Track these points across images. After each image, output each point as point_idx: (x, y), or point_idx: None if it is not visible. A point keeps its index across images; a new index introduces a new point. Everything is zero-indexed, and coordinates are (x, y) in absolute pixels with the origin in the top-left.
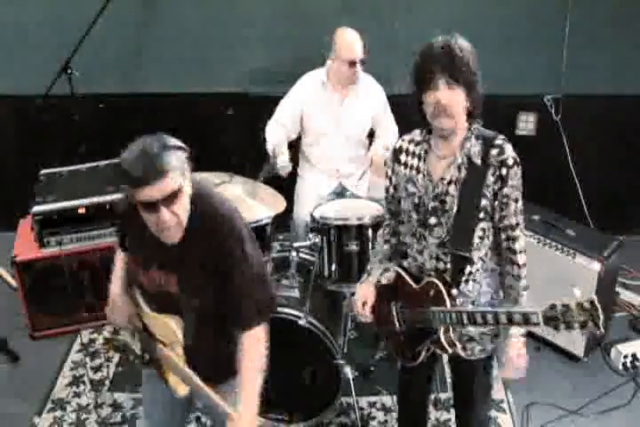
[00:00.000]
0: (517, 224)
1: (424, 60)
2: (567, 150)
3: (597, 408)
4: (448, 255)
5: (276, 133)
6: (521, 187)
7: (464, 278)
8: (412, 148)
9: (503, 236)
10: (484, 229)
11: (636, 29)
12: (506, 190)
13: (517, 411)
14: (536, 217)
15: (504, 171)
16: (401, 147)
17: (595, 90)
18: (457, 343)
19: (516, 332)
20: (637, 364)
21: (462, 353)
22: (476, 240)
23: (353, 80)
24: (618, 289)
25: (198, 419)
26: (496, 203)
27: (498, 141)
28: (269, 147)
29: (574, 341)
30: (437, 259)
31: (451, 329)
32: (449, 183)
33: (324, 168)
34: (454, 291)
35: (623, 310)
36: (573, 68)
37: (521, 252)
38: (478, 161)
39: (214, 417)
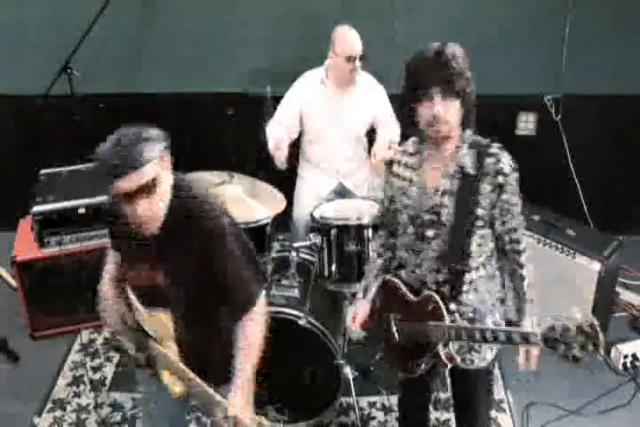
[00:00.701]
0: (519, 226)
1: (417, 71)
2: (567, 150)
3: (597, 408)
4: (446, 268)
5: (277, 131)
6: (518, 190)
7: (465, 289)
8: (405, 159)
9: (507, 238)
10: (482, 236)
11: (635, 29)
12: (504, 197)
13: (517, 411)
14: (536, 217)
15: (501, 179)
16: (393, 158)
17: (595, 90)
18: (456, 357)
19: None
20: (637, 364)
21: (461, 364)
22: (475, 248)
23: (352, 77)
24: (618, 289)
25: (199, 419)
26: (496, 210)
27: (493, 150)
28: (271, 143)
29: None
30: (437, 271)
31: (450, 344)
32: (442, 194)
33: (323, 167)
34: (452, 306)
35: (623, 310)
36: (573, 68)
37: (524, 251)
38: (472, 171)
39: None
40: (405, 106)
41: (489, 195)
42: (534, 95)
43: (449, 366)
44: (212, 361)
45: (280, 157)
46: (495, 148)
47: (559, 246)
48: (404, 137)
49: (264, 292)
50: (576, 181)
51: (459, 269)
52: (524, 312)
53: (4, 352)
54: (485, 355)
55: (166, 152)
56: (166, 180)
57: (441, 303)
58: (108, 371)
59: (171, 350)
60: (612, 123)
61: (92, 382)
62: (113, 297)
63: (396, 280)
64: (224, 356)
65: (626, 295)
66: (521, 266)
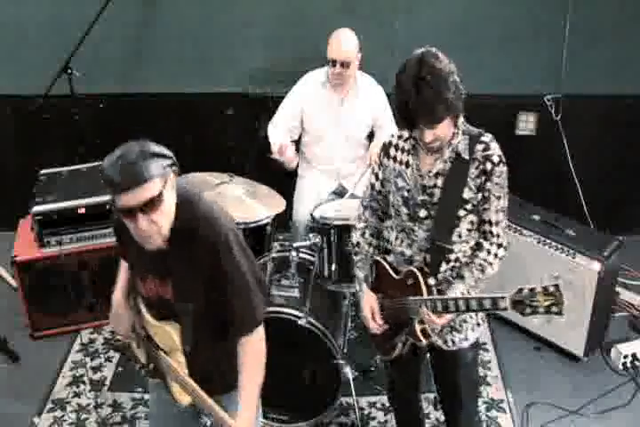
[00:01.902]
0: (498, 222)
1: (400, 103)
2: (567, 150)
3: (597, 408)
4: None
5: (278, 134)
6: (506, 186)
7: (445, 268)
8: (401, 143)
9: (481, 229)
10: (472, 222)
11: (635, 29)
12: (488, 185)
13: (517, 411)
14: (536, 217)
15: (488, 166)
16: (391, 142)
17: (595, 90)
18: (431, 334)
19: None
20: (637, 364)
21: (443, 345)
22: (464, 232)
23: (339, 82)
24: (618, 289)
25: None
26: (479, 195)
27: (484, 138)
28: (274, 146)
29: (574, 341)
30: (426, 251)
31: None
32: (436, 176)
33: (323, 168)
34: (431, 280)
35: (623, 310)
36: (573, 68)
37: (498, 246)
38: (466, 156)
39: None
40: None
41: (475, 179)
42: (534, 95)
43: (424, 342)
44: (215, 373)
45: (290, 159)
46: (487, 137)
47: (559, 246)
48: None
49: (261, 321)
50: (576, 181)
51: (443, 246)
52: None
53: (3, 352)
54: (467, 334)
55: (171, 170)
56: (170, 197)
57: (420, 277)
58: (108, 371)
59: (178, 362)
60: (612, 123)
61: (92, 382)
62: (124, 305)
63: (382, 261)
64: (227, 367)
65: (626, 295)
66: (487, 260)
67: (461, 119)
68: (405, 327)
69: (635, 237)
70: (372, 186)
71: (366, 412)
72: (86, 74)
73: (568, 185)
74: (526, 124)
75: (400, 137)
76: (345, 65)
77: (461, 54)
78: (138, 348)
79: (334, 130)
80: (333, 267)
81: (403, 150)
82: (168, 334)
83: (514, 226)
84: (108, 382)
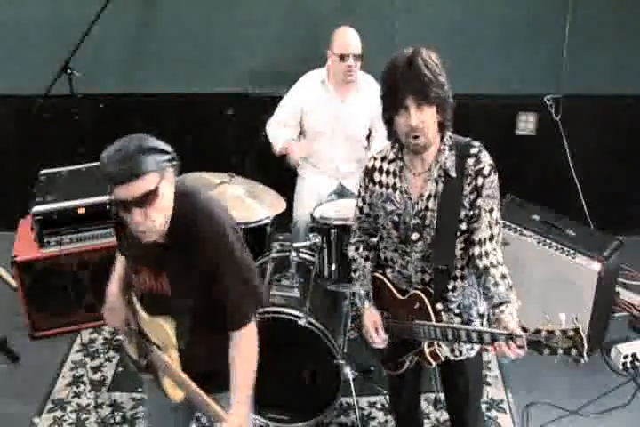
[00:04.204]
0: (492, 237)
1: (390, 82)
2: (567, 150)
3: (597, 408)
4: (431, 269)
5: (281, 134)
6: (497, 195)
7: (450, 287)
8: (385, 166)
9: (474, 250)
10: (465, 240)
11: (636, 29)
12: (479, 201)
13: (517, 411)
14: (536, 217)
15: (480, 181)
16: (374, 166)
17: (595, 90)
18: (441, 357)
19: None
20: (637, 364)
21: (450, 355)
22: (459, 251)
23: (347, 77)
24: (618, 289)
25: (198, 419)
26: (471, 212)
27: (473, 150)
28: (279, 145)
29: None
30: (423, 271)
31: (435, 343)
32: (427, 199)
33: (323, 168)
34: (439, 305)
35: (623, 310)
36: (573, 68)
37: (495, 266)
38: (454, 173)
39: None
40: (384, 116)
41: (469, 195)
42: (534, 95)
43: (433, 364)
44: (211, 369)
45: (295, 159)
46: (475, 147)
47: (559, 246)
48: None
49: (256, 314)
50: (576, 181)
51: (444, 269)
52: (505, 313)
53: (4, 352)
54: (474, 344)
55: (170, 164)
56: (167, 192)
57: (427, 303)
58: (108, 371)
59: (172, 358)
60: (612, 123)
61: (92, 382)
62: (119, 299)
63: (384, 278)
64: (224, 364)
65: (626, 295)
66: (495, 282)
67: (448, 133)
68: (413, 349)
69: (635, 237)
70: (360, 209)
71: (366, 412)
72: (86, 74)
73: (568, 185)
74: (526, 124)
75: (384, 159)
76: (356, 58)
77: (461, 54)
78: (130, 343)
79: (334, 129)
80: (333, 267)
81: (388, 173)
82: (162, 330)
83: (514, 226)
84: (108, 382)
